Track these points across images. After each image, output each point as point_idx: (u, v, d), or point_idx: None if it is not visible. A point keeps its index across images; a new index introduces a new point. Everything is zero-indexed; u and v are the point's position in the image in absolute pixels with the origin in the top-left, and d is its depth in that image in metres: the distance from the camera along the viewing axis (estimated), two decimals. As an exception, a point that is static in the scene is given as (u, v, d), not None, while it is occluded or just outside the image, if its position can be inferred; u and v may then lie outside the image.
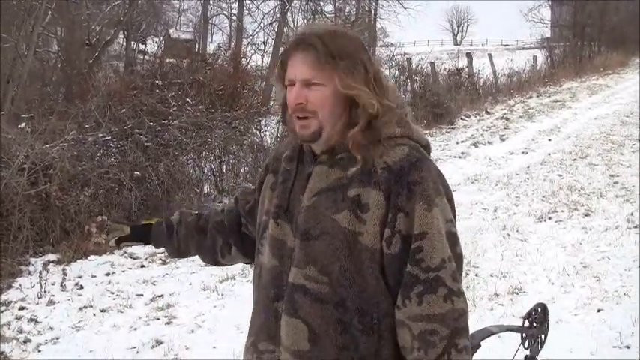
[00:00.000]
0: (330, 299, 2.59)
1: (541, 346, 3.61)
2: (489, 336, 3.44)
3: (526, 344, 3.56)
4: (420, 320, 2.50)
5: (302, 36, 2.67)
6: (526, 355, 3.58)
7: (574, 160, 16.30)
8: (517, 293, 8.22)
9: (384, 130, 2.63)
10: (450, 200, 2.67)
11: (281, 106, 2.80)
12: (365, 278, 2.57)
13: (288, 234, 2.73)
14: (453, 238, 2.62)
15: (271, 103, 18.92)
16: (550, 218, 11.42)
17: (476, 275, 8.80)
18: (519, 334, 3.58)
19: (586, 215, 11.49)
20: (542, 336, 3.60)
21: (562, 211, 11.75)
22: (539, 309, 3.60)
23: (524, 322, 3.58)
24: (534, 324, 3.58)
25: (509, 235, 10.60)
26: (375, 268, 2.57)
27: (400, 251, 2.54)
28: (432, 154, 2.80)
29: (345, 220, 2.57)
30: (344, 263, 2.57)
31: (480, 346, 3.23)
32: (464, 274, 8.44)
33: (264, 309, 2.80)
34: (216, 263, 3.43)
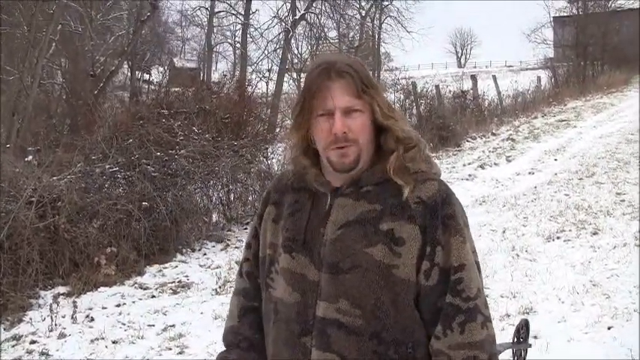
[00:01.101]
0: (364, 331, 2.60)
1: (524, 358, 4.00)
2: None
3: (515, 358, 3.94)
4: (463, 348, 2.56)
5: (331, 64, 2.66)
6: None
7: (580, 179, 16.31)
8: (528, 313, 8.22)
9: (411, 165, 2.66)
10: (469, 229, 2.74)
11: (300, 139, 2.76)
12: (399, 309, 2.60)
13: (307, 267, 2.71)
14: (478, 268, 2.70)
15: (277, 130, 18.96)
16: (558, 238, 11.43)
17: (486, 296, 8.78)
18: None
19: (594, 234, 11.50)
20: (525, 350, 4.01)
21: (570, 231, 11.76)
22: (524, 325, 3.97)
23: (513, 339, 3.96)
24: (521, 339, 3.95)
25: (518, 255, 10.61)
26: (410, 300, 2.60)
27: (438, 283, 2.59)
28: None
29: (379, 253, 2.58)
30: (380, 296, 2.58)
31: None
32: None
33: (287, 345, 2.75)
34: None
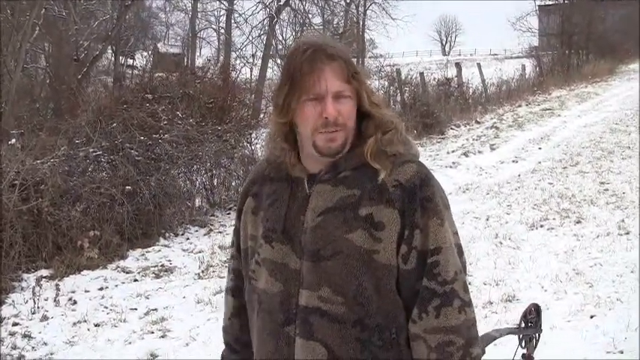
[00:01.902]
0: (347, 319, 2.58)
1: (536, 344, 3.80)
2: (492, 341, 3.55)
3: (523, 344, 3.74)
4: (438, 332, 2.54)
5: (320, 47, 2.62)
6: (523, 354, 3.75)
7: (564, 168, 16.33)
8: (510, 301, 8.24)
9: (388, 148, 2.64)
10: (450, 212, 2.71)
11: (282, 124, 2.70)
12: (382, 295, 2.57)
13: (289, 256, 2.68)
14: (459, 250, 2.68)
15: (261, 115, 18.93)
16: (542, 226, 11.45)
17: (469, 284, 8.77)
18: (516, 335, 3.76)
19: (577, 222, 11.52)
20: (537, 335, 3.80)
21: (554, 219, 11.78)
22: (533, 309, 3.79)
23: (520, 324, 3.76)
24: (529, 324, 3.76)
25: (501, 243, 10.62)
26: (392, 284, 2.58)
27: (416, 267, 2.56)
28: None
29: (359, 238, 2.56)
30: (362, 282, 2.56)
31: (484, 352, 3.26)
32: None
33: (271, 335, 2.73)
34: None
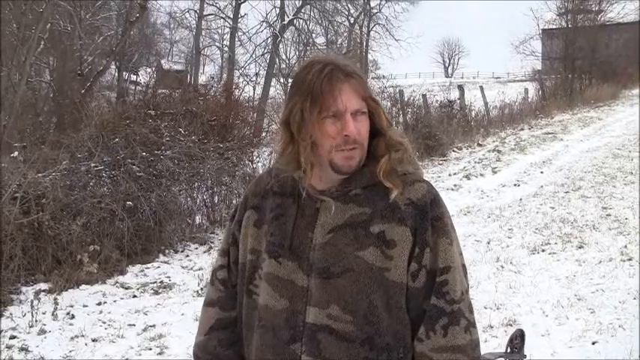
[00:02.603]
0: (356, 337, 2.56)
1: None
2: None
3: None
4: (445, 351, 2.54)
5: (338, 66, 2.60)
6: None
7: (566, 192, 16.30)
8: (511, 325, 8.19)
9: (399, 168, 2.64)
10: (456, 232, 2.72)
11: (302, 140, 2.61)
12: (392, 313, 2.57)
13: (295, 272, 2.65)
14: (465, 271, 2.69)
15: (263, 134, 18.94)
16: (543, 250, 11.41)
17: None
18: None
19: (579, 247, 11.48)
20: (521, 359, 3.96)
21: (555, 244, 11.74)
22: (518, 335, 4.00)
23: (506, 349, 3.99)
24: (515, 349, 3.97)
25: (502, 267, 10.59)
26: (402, 303, 2.58)
27: (424, 285, 2.57)
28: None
29: (371, 256, 2.55)
30: (373, 300, 2.55)
31: None
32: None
33: (275, 353, 2.69)
34: None
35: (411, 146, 2.74)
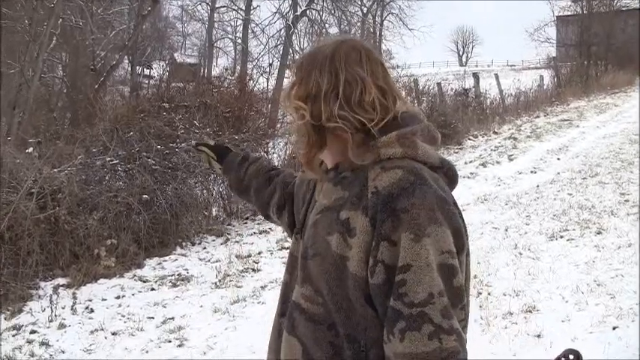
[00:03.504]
0: (323, 320, 2.49)
1: None
2: None
3: None
4: (403, 358, 2.30)
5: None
6: None
7: (584, 178, 16.23)
8: (531, 312, 8.15)
9: (383, 150, 2.49)
10: (455, 229, 2.42)
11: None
12: (351, 304, 2.44)
13: (299, 250, 2.66)
14: (448, 271, 2.36)
15: (278, 125, 18.92)
16: (562, 237, 11.36)
17: (489, 294, 8.73)
18: None
19: (598, 233, 11.42)
20: None
21: (574, 230, 11.69)
22: (572, 356, 2.93)
23: None
24: None
25: (521, 254, 10.54)
26: (359, 296, 2.42)
27: (384, 282, 2.36)
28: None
29: (335, 242, 2.45)
30: (332, 287, 2.46)
31: None
32: (476, 293, 8.36)
33: (274, 323, 2.78)
34: (267, 217, 3.44)
35: (419, 127, 2.60)
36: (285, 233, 3.32)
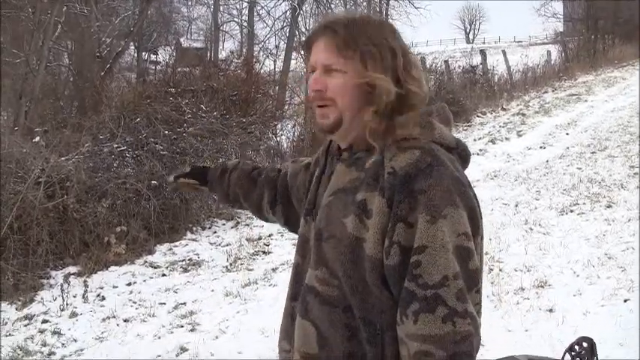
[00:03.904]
0: (339, 303, 2.47)
1: None
2: None
3: None
4: (416, 340, 2.29)
5: (324, 22, 2.56)
6: None
7: (593, 152, 16.19)
8: (542, 287, 8.15)
9: (400, 131, 2.46)
10: (471, 211, 2.41)
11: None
12: (367, 287, 2.43)
13: (311, 232, 2.63)
14: (464, 253, 2.35)
15: (285, 107, 18.90)
16: (572, 211, 11.34)
17: (500, 270, 8.72)
18: None
19: (608, 207, 11.40)
20: None
21: (584, 204, 11.67)
22: (585, 344, 3.04)
23: (564, 357, 3.01)
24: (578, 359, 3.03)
25: (531, 229, 10.52)
26: (376, 278, 2.40)
27: (399, 264, 2.34)
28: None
29: (351, 224, 2.43)
30: (347, 269, 2.43)
31: None
32: (487, 269, 8.35)
33: (285, 307, 2.74)
34: (265, 219, 3.43)
35: (436, 108, 2.63)
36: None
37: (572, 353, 3.04)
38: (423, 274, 2.29)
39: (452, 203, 2.34)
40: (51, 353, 7.43)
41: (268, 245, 10.85)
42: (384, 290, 2.40)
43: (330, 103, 2.49)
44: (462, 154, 2.60)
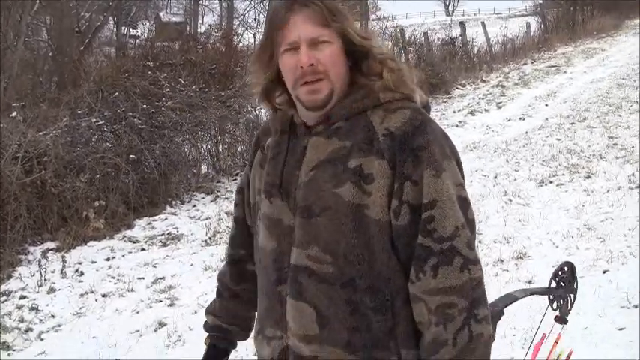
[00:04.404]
0: (336, 279, 2.43)
1: (570, 306, 3.47)
2: (513, 302, 3.25)
3: (554, 305, 3.43)
4: (437, 294, 2.34)
5: None
6: (555, 316, 3.45)
7: (572, 123, 16.22)
8: (522, 258, 8.19)
9: (382, 94, 2.48)
10: (459, 162, 2.50)
11: (265, 80, 2.61)
12: (374, 254, 2.41)
13: (284, 212, 2.57)
14: (464, 203, 2.44)
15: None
16: (551, 182, 11.37)
17: (479, 242, 8.72)
18: (546, 296, 3.45)
19: (587, 178, 11.43)
20: (572, 295, 3.48)
21: (563, 175, 11.69)
22: (566, 268, 3.46)
23: (550, 283, 3.43)
24: (561, 284, 3.44)
25: (510, 200, 10.55)
26: (385, 242, 2.40)
27: (410, 222, 2.37)
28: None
29: (348, 193, 2.40)
30: (350, 239, 2.41)
31: (503, 313, 3.01)
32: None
33: (267, 294, 2.65)
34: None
35: (404, 65, 2.61)
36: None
37: (557, 279, 3.42)
38: (438, 227, 2.35)
39: (446, 156, 2.43)
40: (29, 329, 7.40)
41: (247, 219, 10.83)
42: (392, 254, 2.42)
43: (322, 77, 2.46)
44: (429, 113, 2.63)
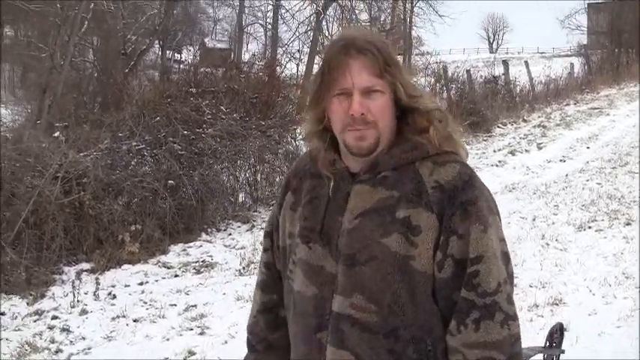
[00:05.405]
0: (379, 329, 2.43)
1: None
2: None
3: None
4: (477, 347, 2.36)
5: (351, 41, 2.47)
6: None
7: (613, 168, 16.10)
8: (557, 304, 8.08)
9: (447, 144, 2.51)
10: (499, 217, 2.52)
11: (315, 118, 2.58)
12: (418, 304, 2.42)
13: (325, 258, 2.54)
14: (506, 258, 2.47)
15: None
16: (590, 227, 11.26)
17: (515, 286, 8.62)
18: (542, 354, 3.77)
19: (627, 224, 11.31)
20: (558, 355, 3.81)
21: (602, 220, 11.58)
22: (558, 329, 3.79)
23: (545, 343, 3.77)
24: (554, 344, 3.76)
25: (548, 244, 10.45)
26: (428, 293, 2.42)
27: (452, 275, 2.39)
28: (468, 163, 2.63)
29: (395, 243, 2.41)
30: (396, 290, 2.41)
31: None
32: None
33: (304, 340, 2.62)
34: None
35: (451, 119, 2.60)
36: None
37: (551, 339, 3.79)
38: (482, 282, 2.37)
39: (491, 211, 2.47)
40: (58, 350, 7.41)
41: (283, 250, 10.80)
42: (434, 305, 2.44)
43: (370, 126, 2.45)
44: None
